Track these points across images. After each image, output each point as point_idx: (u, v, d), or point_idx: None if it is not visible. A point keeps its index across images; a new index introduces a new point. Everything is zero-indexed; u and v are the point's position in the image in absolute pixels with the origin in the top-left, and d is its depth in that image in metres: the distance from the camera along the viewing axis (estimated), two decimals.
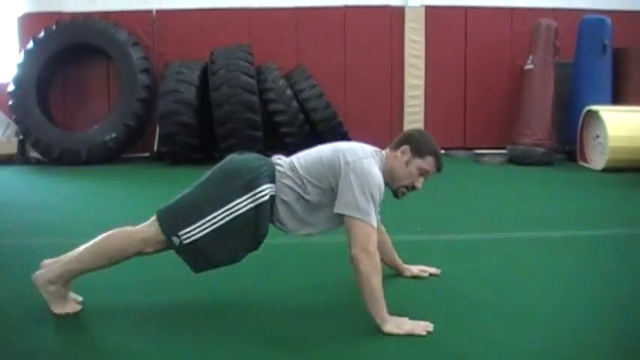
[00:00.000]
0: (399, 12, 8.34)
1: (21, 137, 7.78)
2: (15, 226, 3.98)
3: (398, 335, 2.04)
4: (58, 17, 7.90)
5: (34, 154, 7.79)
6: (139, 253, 2.25)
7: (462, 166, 7.02)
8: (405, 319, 2.12)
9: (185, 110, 6.94)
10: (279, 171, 2.29)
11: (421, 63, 8.36)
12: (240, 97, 6.75)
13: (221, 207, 2.18)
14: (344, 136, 6.79)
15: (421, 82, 8.37)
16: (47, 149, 7.44)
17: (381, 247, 2.54)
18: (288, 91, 7.21)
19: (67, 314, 2.23)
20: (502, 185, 5.98)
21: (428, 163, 2.34)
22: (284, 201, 2.27)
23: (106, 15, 8.05)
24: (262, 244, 2.28)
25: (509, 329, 2.14)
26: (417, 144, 2.35)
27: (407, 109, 8.34)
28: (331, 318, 2.25)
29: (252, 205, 2.19)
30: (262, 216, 2.22)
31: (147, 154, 8.06)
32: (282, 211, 2.28)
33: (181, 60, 7.54)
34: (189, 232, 2.17)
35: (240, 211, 2.18)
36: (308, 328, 2.16)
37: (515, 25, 8.27)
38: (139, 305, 2.39)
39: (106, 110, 8.00)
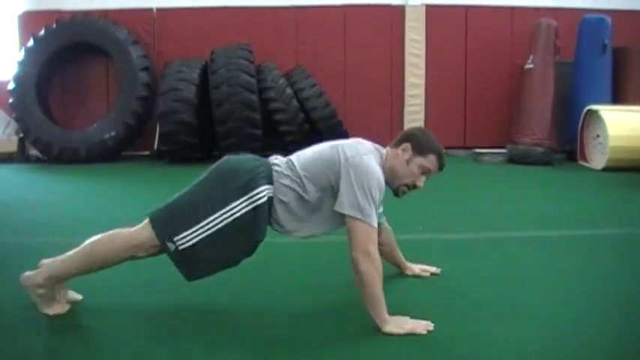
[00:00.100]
0: (399, 11, 8.35)
1: (21, 135, 7.79)
2: (14, 225, 3.97)
3: (398, 335, 2.04)
4: (58, 15, 7.91)
5: (33, 152, 7.80)
6: (132, 258, 2.19)
7: (462, 166, 7.02)
8: (406, 319, 2.12)
9: (185, 109, 6.95)
10: (277, 171, 2.24)
11: (421, 62, 8.37)
12: (240, 96, 6.76)
13: (218, 210, 2.12)
14: (344, 135, 6.77)
15: (421, 81, 8.37)
16: (47, 147, 7.45)
17: (385, 245, 2.58)
18: (288, 90, 7.22)
19: (57, 315, 2.19)
20: (502, 184, 5.98)
21: (430, 161, 2.30)
22: (282, 201, 2.21)
23: (105, 13, 8.05)
24: (261, 245, 2.22)
25: (509, 329, 2.13)
26: (418, 142, 2.30)
27: (407, 109, 8.35)
28: (331, 318, 2.25)
29: (249, 207, 2.14)
30: (260, 218, 2.16)
31: (147, 153, 8.06)
32: (280, 213, 2.22)
33: (181, 58, 7.54)
34: (185, 237, 2.11)
35: (238, 214, 2.12)
36: (308, 328, 2.15)
37: (516, 24, 8.28)
38: (139, 305, 2.38)
39: (105, 109, 8.01)
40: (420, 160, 2.29)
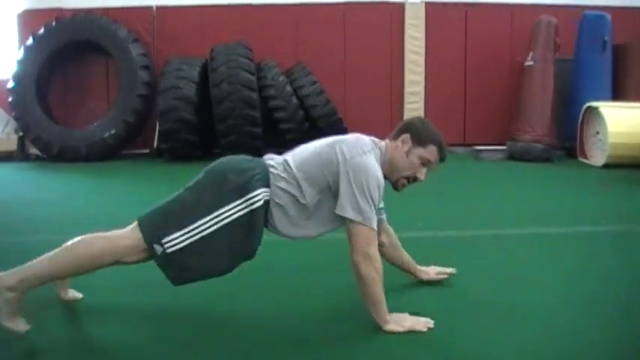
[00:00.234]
0: (399, 8, 8.34)
1: (21, 134, 7.79)
2: (14, 223, 3.97)
3: (398, 333, 2.04)
4: (58, 14, 7.90)
5: (33, 150, 7.80)
6: (117, 262, 2.04)
7: (461, 163, 7.02)
8: (406, 315, 2.12)
9: (185, 107, 6.95)
10: (273, 173, 2.14)
11: (421, 59, 8.37)
12: (240, 94, 6.76)
13: (210, 213, 2.02)
14: (344, 133, 6.75)
15: (421, 78, 8.38)
16: (47, 146, 7.45)
17: (389, 249, 2.50)
18: (288, 88, 7.22)
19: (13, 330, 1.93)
20: (502, 182, 5.99)
21: (430, 152, 2.21)
22: (279, 205, 2.12)
23: (106, 11, 8.04)
24: (260, 245, 2.15)
25: (509, 327, 2.13)
26: (417, 132, 2.22)
27: (407, 106, 8.35)
28: (331, 317, 2.25)
29: (245, 210, 2.05)
30: (256, 223, 2.07)
31: (146, 151, 8.06)
32: (277, 217, 2.13)
33: (181, 57, 7.54)
34: (174, 239, 2.00)
35: (232, 218, 2.03)
36: (308, 327, 2.15)
37: (516, 21, 8.27)
38: (139, 305, 2.38)
39: (105, 107, 8.01)
40: (420, 151, 2.20)
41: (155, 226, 2.03)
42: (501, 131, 7.81)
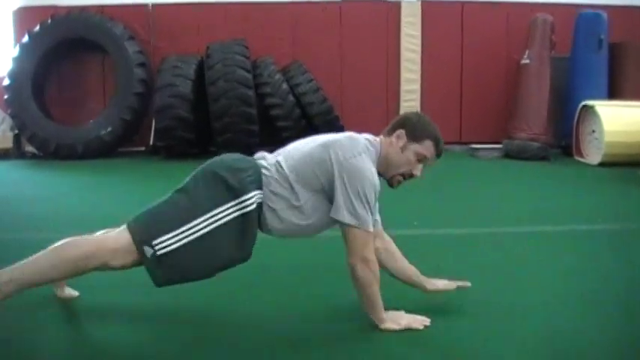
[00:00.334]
0: (395, 6, 8.33)
1: (16, 132, 7.76)
2: (10, 221, 3.97)
3: (395, 331, 2.04)
4: (54, 11, 7.86)
5: (29, 148, 7.77)
6: (103, 266, 1.96)
7: (458, 161, 7.04)
8: (402, 313, 2.12)
9: (181, 104, 6.94)
10: (266, 175, 2.08)
11: (417, 57, 8.36)
12: (237, 92, 6.75)
13: (203, 214, 1.98)
14: (340, 131, 6.75)
15: (417, 76, 8.37)
16: (43, 143, 7.43)
17: (385, 257, 2.29)
18: (285, 86, 7.21)
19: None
20: (498, 180, 6.00)
21: (426, 147, 2.15)
22: (272, 209, 2.07)
23: (101, 9, 8.02)
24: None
25: (507, 325, 2.14)
26: (413, 127, 2.16)
27: (403, 104, 8.34)
28: (330, 317, 2.25)
29: (237, 213, 2.01)
30: (249, 226, 2.04)
31: (143, 149, 8.04)
32: (270, 220, 2.09)
33: (177, 54, 7.52)
34: (165, 240, 1.94)
35: (225, 220, 1.99)
36: (307, 327, 2.15)
37: (512, 19, 8.27)
38: (139, 305, 2.37)
39: (101, 104, 7.98)
40: (415, 147, 2.14)
41: (145, 228, 1.97)
42: (497, 129, 7.81)
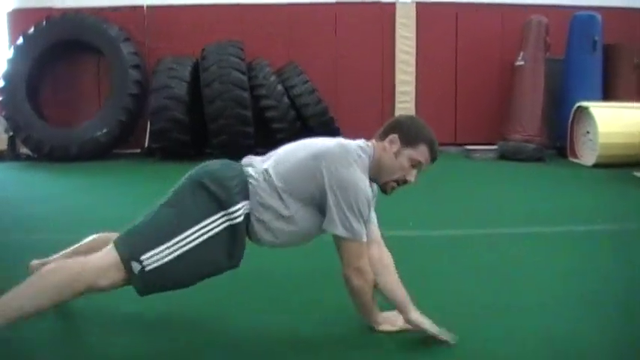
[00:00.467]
0: (390, 8, 8.34)
1: (11, 133, 7.73)
2: (5, 223, 3.96)
3: (391, 332, 2.05)
4: (49, 13, 7.84)
5: (24, 150, 7.74)
6: (91, 288, 1.86)
7: (453, 162, 7.03)
8: (397, 314, 2.11)
9: (176, 106, 6.93)
10: (253, 184, 2.02)
11: (412, 59, 8.36)
12: (232, 94, 6.75)
13: (191, 227, 1.92)
14: (336, 132, 6.78)
15: (412, 78, 8.37)
16: (38, 145, 7.40)
17: (384, 274, 2.11)
18: (280, 87, 7.20)
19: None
20: (493, 181, 6.01)
21: (420, 152, 2.08)
22: (261, 221, 2.03)
23: (96, 11, 8.00)
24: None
25: (504, 326, 2.14)
26: (407, 132, 2.09)
27: (398, 105, 8.35)
28: (330, 317, 2.25)
29: (225, 225, 1.96)
30: (237, 237, 2.00)
31: (138, 150, 8.03)
32: (259, 230, 2.05)
33: (173, 56, 7.51)
34: (153, 255, 1.88)
35: (213, 232, 1.95)
36: (307, 327, 2.16)
37: (506, 21, 8.28)
38: (136, 308, 2.33)
39: (96, 106, 7.96)
40: (409, 152, 2.07)
41: (132, 244, 1.91)
42: (492, 131, 7.82)
